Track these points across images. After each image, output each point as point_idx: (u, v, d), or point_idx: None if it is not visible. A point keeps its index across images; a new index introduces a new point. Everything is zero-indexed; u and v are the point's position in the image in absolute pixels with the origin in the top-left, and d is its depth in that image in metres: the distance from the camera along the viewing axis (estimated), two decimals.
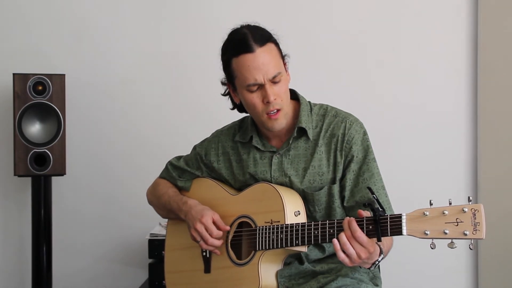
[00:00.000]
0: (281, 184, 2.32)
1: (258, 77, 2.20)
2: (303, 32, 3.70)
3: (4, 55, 3.82)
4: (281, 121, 2.26)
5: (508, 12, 3.62)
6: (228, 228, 2.31)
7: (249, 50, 2.20)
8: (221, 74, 2.45)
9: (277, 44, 2.28)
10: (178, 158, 2.59)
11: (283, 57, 2.30)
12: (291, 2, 3.76)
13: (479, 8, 3.67)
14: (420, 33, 3.74)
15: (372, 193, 1.96)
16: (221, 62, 2.32)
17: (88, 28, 3.84)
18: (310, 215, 2.30)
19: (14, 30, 3.84)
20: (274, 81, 2.22)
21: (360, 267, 2.22)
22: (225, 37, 2.33)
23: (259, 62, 2.20)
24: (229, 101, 2.46)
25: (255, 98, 2.23)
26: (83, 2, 3.84)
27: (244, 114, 2.48)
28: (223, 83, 2.40)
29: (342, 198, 2.29)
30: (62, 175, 3.54)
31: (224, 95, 2.45)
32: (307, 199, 2.29)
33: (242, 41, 2.22)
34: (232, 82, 2.30)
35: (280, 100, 2.23)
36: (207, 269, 2.38)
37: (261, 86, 2.22)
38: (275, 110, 2.24)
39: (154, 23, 3.84)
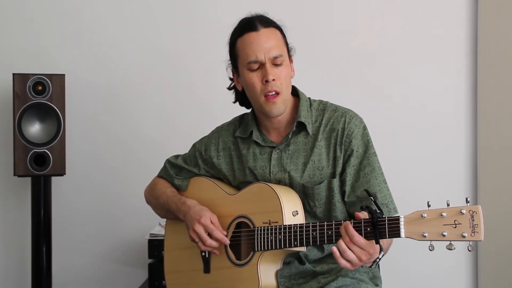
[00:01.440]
0: (280, 179, 2.32)
1: (259, 54, 2.23)
2: (302, 31, 3.69)
3: (4, 55, 3.82)
4: (279, 106, 2.26)
5: (508, 12, 3.62)
6: (225, 236, 2.31)
7: (253, 28, 2.25)
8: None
9: (282, 33, 2.32)
10: (176, 156, 2.60)
11: (288, 46, 2.32)
12: (291, 1, 3.76)
13: (479, 8, 3.66)
14: (420, 33, 3.74)
15: (369, 194, 1.96)
16: (228, 48, 2.35)
17: (88, 28, 3.84)
18: (310, 210, 2.31)
19: (14, 30, 3.84)
20: (275, 62, 2.24)
21: (362, 266, 2.22)
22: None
23: (262, 40, 2.24)
24: (232, 97, 2.48)
25: (254, 77, 2.25)
26: (83, 2, 3.84)
27: (245, 110, 2.49)
28: (231, 78, 2.43)
29: (342, 193, 2.30)
30: (62, 175, 3.54)
31: (229, 88, 2.47)
32: (306, 193, 2.29)
33: (248, 23, 2.28)
34: (236, 65, 2.32)
35: (279, 83, 2.24)
36: (207, 269, 2.38)
37: (262, 66, 2.24)
38: (274, 92, 2.24)
39: (154, 22, 3.84)
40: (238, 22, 2.33)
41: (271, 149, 2.36)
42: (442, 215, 1.82)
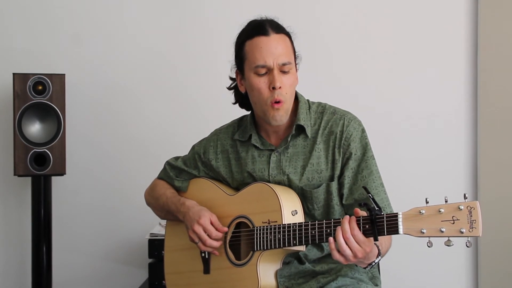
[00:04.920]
0: (279, 182, 2.32)
1: (268, 59, 2.21)
2: (301, 32, 3.69)
3: (4, 55, 3.83)
4: (282, 114, 2.25)
5: (508, 12, 3.63)
6: (226, 229, 2.31)
7: (264, 33, 2.23)
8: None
9: (291, 40, 2.30)
10: (176, 158, 2.59)
11: (295, 54, 2.31)
12: (290, 2, 3.77)
13: (479, 8, 3.67)
14: (420, 33, 3.75)
15: (368, 192, 1.96)
16: (234, 48, 2.33)
17: (88, 28, 3.85)
18: (308, 213, 2.31)
19: (14, 30, 3.84)
20: (283, 69, 2.23)
21: (356, 265, 2.22)
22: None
23: (272, 46, 2.22)
24: (231, 98, 2.47)
25: (261, 83, 2.23)
26: (83, 2, 3.85)
27: (244, 112, 2.48)
28: (231, 78, 2.42)
29: (340, 196, 2.29)
30: (62, 175, 3.54)
31: (229, 88, 2.45)
32: (305, 196, 2.29)
33: (259, 26, 2.26)
34: (242, 67, 2.30)
35: (285, 92, 2.23)
36: (207, 270, 2.38)
37: (269, 71, 2.22)
38: (279, 100, 2.23)
39: (153, 23, 3.84)
40: (247, 24, 2.31)
41: (270, 152, 2.36)
42: (440, 211, 1.82)
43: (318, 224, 2.08)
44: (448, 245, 1.82)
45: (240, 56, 2.30)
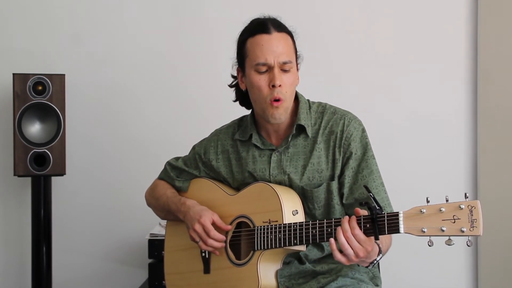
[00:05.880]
0: (280, 181, 2.32)
1: (269, 57, 2.21)
2: (302, 32, 3.68)
3: (4, 55, 3.83)
4: (281, 112, 2.25)
5: (508, 12, 3.63)
6: (229, 227, 2.31)
7: (266, 31, 2.24)
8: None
9: (293, 39, 2.31)
10: (177, 158, 2.60)
11: (296, 54, 2.31)
12: (290, 2, 3.76)
13: (479, 8, 3.67)
14: (420, 33, 3.75)
15: (369, 191, 1.96)
16: (236, 45, 2.34)
17: (88, 28, 3.84)
18: (309, 212, 2.31)
19: (14, 30, 3.84)
20: (283, 68, 2.23)
21: (358, 265, 2.22)
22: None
23: (273, 44, 2.22)
24: (232, 96, 2.47)
25: (261, 81, 2.24)
26: (83, 2, 3.85)
27: (244, 111, 2.49)
28: (233, 76, 2.42)
29: (341, 195, 2.29)
30: (62, 175, 3.54)
31: (231, 86, 2.46)
32: (306, 196, 2.29)
33: (261, 24, 2.27)
34: (243, 64, 2.31)
35: (285, 91, 2.23)
36: (207, 270, 2.38)
37: (270, 69, 2.23)
38: (278, 98, 2.23)
39: (154, 23, 3.84)
40: (249, 22, 2.32)
41: (270, 151, 2.36)
42: (441, 210, 1.82)
43: (319, 223, 2.09)
44: (449, 244, 1.81)
45: (242, 53, 2.30)
